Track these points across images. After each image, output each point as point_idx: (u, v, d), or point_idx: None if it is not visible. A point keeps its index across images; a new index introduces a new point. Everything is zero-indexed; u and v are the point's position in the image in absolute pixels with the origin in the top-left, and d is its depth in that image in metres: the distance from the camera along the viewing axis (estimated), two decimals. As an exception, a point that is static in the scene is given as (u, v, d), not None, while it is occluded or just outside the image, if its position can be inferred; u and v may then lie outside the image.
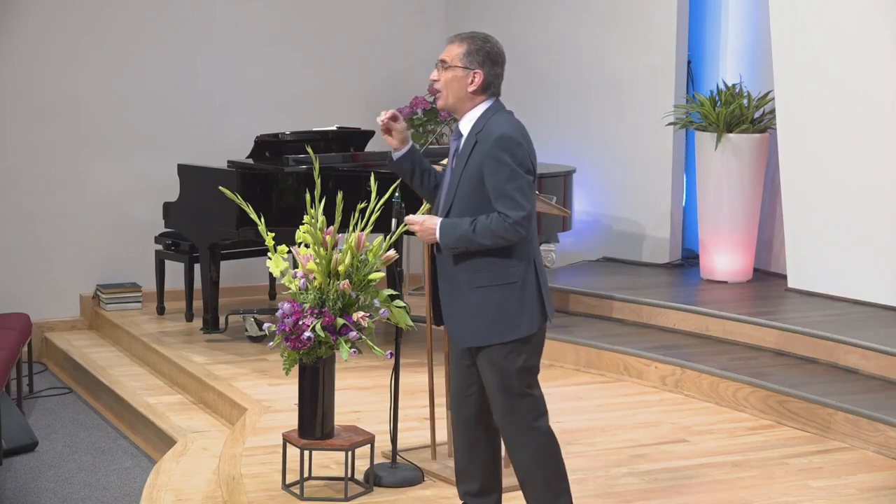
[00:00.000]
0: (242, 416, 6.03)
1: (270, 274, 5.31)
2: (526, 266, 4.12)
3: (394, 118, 4.30)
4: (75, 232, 8.45)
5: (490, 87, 4.18)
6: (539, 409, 4.22)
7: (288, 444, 4.95)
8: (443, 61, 4.18)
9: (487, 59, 4.15)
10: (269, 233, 4.96)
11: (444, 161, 4.60)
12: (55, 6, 8.27)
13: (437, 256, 4.25)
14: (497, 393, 4.16)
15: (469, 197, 4.09)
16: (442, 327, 5.37)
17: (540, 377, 6.83)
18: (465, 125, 4.19)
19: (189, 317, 7.95)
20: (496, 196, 4.04)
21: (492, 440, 4.38)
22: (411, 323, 4.91)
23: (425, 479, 5.06)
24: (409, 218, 4.23)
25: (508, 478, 4.98)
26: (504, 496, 4.51)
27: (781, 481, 5.17)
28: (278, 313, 4.80)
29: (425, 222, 4.15)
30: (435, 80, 4.21)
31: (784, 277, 7.57)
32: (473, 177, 4.09)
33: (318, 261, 4.81)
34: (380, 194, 4.90)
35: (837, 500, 4.97)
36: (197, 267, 7.77)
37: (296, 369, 4.91)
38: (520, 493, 4.93)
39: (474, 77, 4.14)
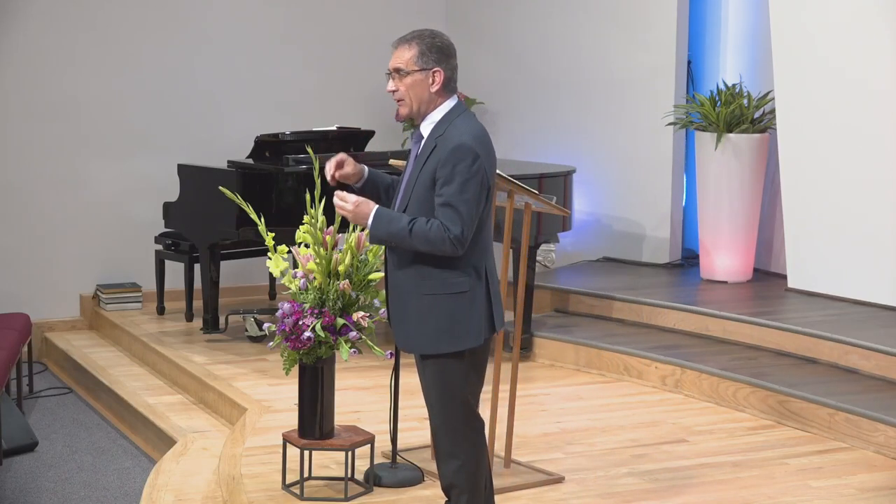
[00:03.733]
0: (242, 416, 6.03)
1: (270, 274, 5.30)
2: (476, 276, 4.00)
3: (339, 166, 4.12)
4: (75, 232, 8.45)
5: (450, 83, 4.02)
6: (477, 420, 4.13)
7: (288, 444, 4.95)
8: (397, 69, 4.01)
9: (442, 54, 4.00)
10: (269, 233, 4.96)
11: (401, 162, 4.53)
12: (55, 6, 8.27)
13: (387, 257, 4.12)
14: (437, 401, 4.06)
15: (422, 202, 3.95)
16: None
17: (540, 377, 6.87)
18: (427, 128, 4.03)
19: (189, 317, 7.95)
20: (441, 204, 3.88)
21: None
22: (411, 323, 4.90)
23: (425, 479, 5.06)
24: (341, 194, 4.00)
25: (510, 477, 4.99)
26: (505, 496, 4.50)
27: (781, 481, 5.17)
28: (278, 313, 4.80)
29: (360, 206, 3.94)
30: (393, 91, 4.03)
31: (784, 277, 7.57)
32: (427, 182, 3.95)
33: (318, 261, 4.81)
34: (380, 194, 4.89)
35: (837, 500, 4.97)
36: (197, 267, 7.76)
37: (296, 369, 4.91)
38: (520, 492, 4.94)
39: (434, 76, 3.98)
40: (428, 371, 4.07)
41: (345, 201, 3.97)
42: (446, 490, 4.16)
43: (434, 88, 4.00)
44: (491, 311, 4.04)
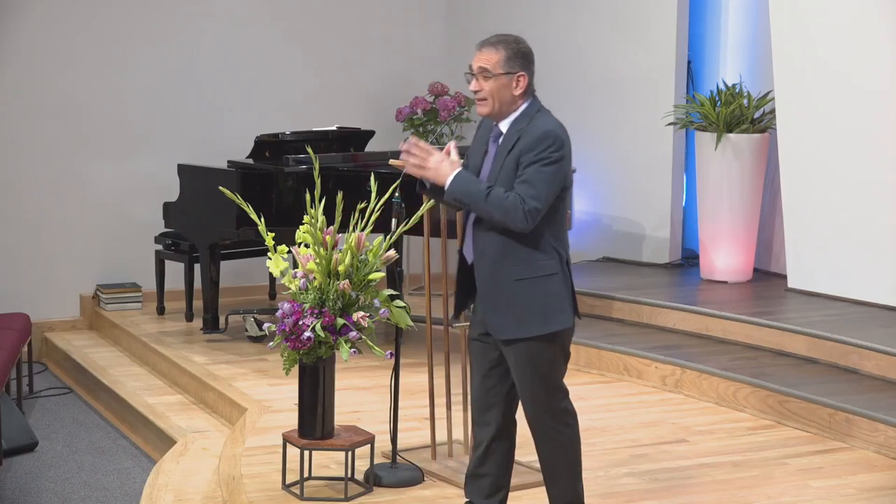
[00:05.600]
0: (242, 416, 6.03)
1: (270, 274, 5.30)
2: (559, 260, 4.15)
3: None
4: (75, 232, 8.45)
5: (531, 87, 4.21)
6: (569, 398, 4.28)
7: (288, 444, 4.95)
8: (484, 69, 4.16)
9: (526, 59, 4.18)
10: (269, 233, 4.96)
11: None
12: (54, 6, 8.27)
13: (470, 251, 4.21)
14: (533, 386, 4.17)
15: (508, 188, 4.11)
16: (441, 327, 5.38)
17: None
18: (505, 125, 4.20)
19: (189, 317, 7.95)
20: (521, 179, 4.05)
21: (511, 443, 4.41)
22: (411, 323, 4.91)
23: (425, 479, 5.06)
24: (423, 144, 4.14)
25: (514, 477, 4.98)
26: (510, 494, 4.50)
27: (781, 481, 5.17)
28: (278, 313, 4.80)
29: (443, 164, 4.11)
30: (477, 91, 4.18)
31: (784, 277, 7.57)
32: (511, 167, 4.10)
33: (318, 261, 4.80)
34: (380, 194, 4.90)
35: (837, 500, 4.97)
36: (197, 267, 7.77)
37: (296, 369, 4.91)
38: (520, 492, 4.94)
39: (519, 80, 4.16)
40: (520, 357, 4.16)
41: (426, 153, 4.14)
42: (550, 474, 4.28)
43: (517, 91, 4.18)
44: (573, 295, 4.20)
